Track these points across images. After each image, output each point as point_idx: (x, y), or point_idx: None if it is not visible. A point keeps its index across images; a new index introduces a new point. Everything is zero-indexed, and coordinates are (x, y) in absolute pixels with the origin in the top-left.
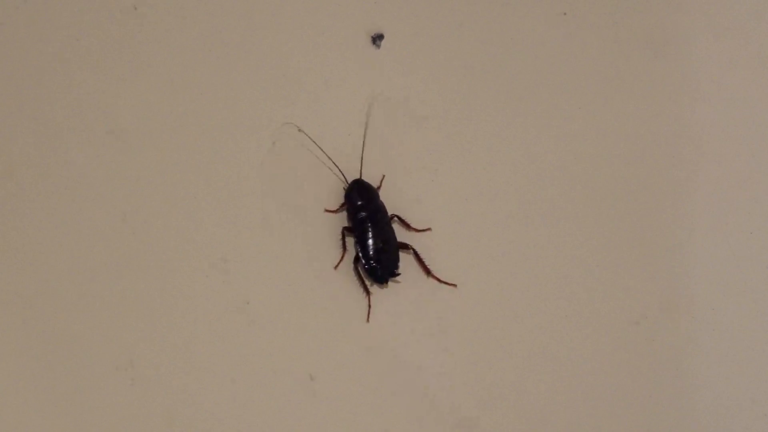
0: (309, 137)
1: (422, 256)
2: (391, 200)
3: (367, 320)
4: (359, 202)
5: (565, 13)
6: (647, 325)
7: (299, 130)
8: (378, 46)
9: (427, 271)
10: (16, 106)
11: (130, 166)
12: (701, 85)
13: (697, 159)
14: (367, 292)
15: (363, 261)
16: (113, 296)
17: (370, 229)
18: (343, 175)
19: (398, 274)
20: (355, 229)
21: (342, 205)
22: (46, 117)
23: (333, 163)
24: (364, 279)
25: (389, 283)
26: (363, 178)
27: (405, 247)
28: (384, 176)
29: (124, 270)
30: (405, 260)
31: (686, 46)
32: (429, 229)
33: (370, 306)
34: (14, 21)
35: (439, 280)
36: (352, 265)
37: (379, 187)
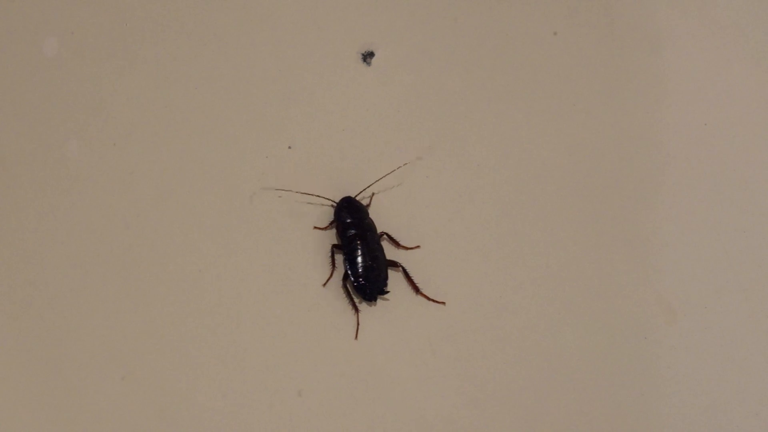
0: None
1: (411, 273)
2: (380, 218)
3: (356, 338)
4: (348, 220)
5: (555, 33)
6: (643, 335)
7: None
8: (369, 64)
9: (416, 289)
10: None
11: (133, 177)
12: (694, 83)
13: (688, 158)
14: (356, 309)
15: (352, 278)
16: (107, 296)
17: (359, 247)
18: (331, 200)
19: (387, 292)
20: (344, 247)
21: (331, 223)
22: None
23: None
24: (353, 296)
25: (378, 300)
26: (353, 195)
27: (394, 264)
28: (374, 194)
29: (120, 275)
30: (394, 278)
31: (681, 44)
32: (418, 246)
33: (358, 323)
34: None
35: (427, 298)
36: (341, 283)
37: (368, 205)
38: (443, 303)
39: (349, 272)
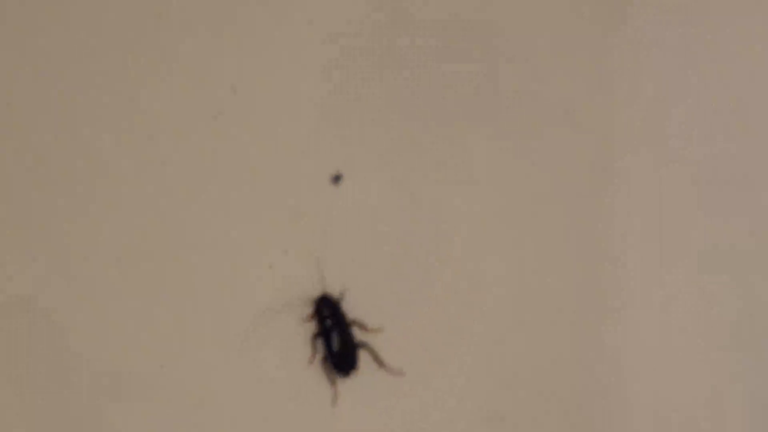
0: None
1: (376, 351)
2: (351, 306)
3: (334, 405)
4: (325, 314)
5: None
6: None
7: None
8: (338, 185)
9: (380, 364)
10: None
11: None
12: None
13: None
14: (334, 382)
15: (329, 358)
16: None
17: (334, 334)
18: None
19: (357, 368)
20: (322, 334)
21: (312, 315)
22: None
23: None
24: (331, 372)
25: (351, 375)
26: (328, 293)
27: (363, 345)
28: (346, 290)
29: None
30: (364, 356)
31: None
32: (381, 329)
33: (336, 393)
34: None
35: (388, 370)
36: (321, 363)
37: (340, 299)
38: (403, 374)
39: (327, 353)
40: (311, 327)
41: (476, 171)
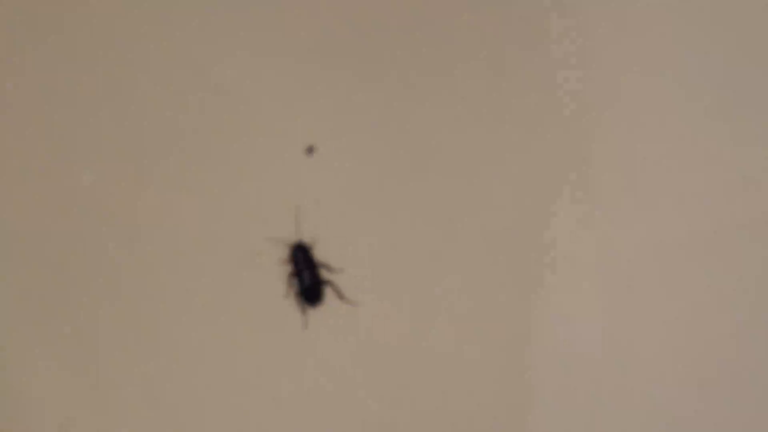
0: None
1: (339, 287)
2: (321, 252)
3: (304, 329)
4: (298, 257)
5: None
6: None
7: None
8: (311, 156)
9: (341, 297)
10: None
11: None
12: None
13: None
14: (304, 312)
15: (301, 293)
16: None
17: (305, 273)
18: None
19: (322, 300)
20: (296, 274)
21: (289, 259)
22: None
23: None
24: (302, 304)
25: (317, 306)
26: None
27: (328, 282)
28: (316, 239)
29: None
30: (329, 292)
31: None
32: (342, 270)
33: (306, 320)
34: None
35: (346, 302)
36: (294, 297)
37: (312, 246)
38: (356, 304)
39: (299, 287)
40: (287, 268)
41: (445, 146)
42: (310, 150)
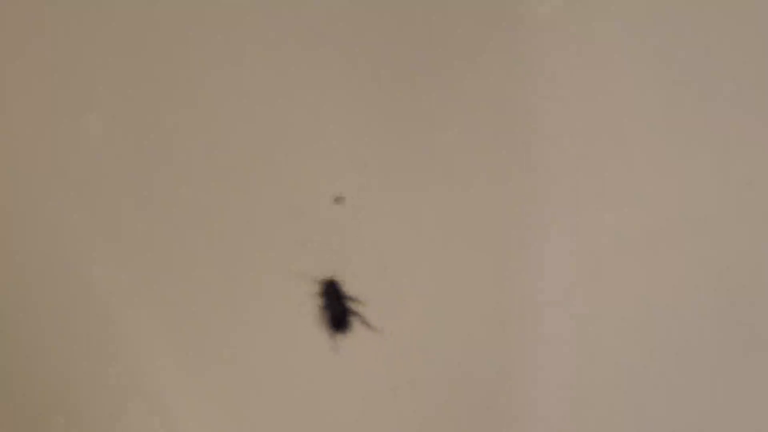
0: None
1: (365, 316)
2: (349, 287)
3: (335, 353)
4: (329, 291)
5: None
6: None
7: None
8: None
9: (366, 325)
10: None
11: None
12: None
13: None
14: (334, 338)
15: (331, 321)
16: None
17: (335, 304)
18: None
19: (350, 328)
20: (327, 306)
21: (321, 292)
22: None
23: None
24: (332, 331)
25: (346, 333)
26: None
27: (355, 313)
28: (345, 276)
29: None
30: (356, 321)
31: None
32: (366, 302)
33: (336, 344)
34: None
35: (371, 329)
36: (326, 324)
37: (342, 282)
38: (382, 331)
39: (330, 318)
40: (320, 301)
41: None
42: (338, 200)
